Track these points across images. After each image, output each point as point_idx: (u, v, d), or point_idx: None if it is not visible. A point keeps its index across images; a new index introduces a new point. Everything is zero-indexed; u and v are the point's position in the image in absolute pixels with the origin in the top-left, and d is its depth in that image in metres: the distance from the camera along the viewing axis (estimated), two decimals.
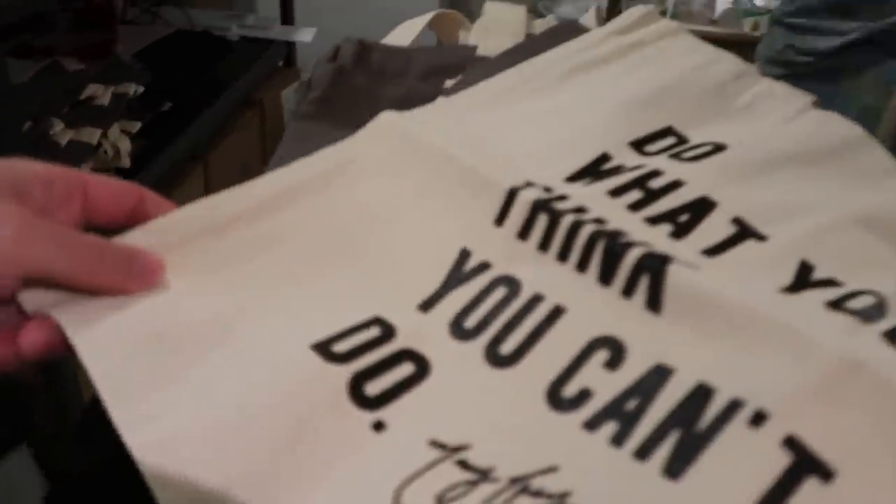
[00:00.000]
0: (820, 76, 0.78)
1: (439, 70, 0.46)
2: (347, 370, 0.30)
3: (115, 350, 0.28)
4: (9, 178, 0.30)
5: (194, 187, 1.57)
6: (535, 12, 2.70)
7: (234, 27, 1.84)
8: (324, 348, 0.30)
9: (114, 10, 1.63)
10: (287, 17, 1.99)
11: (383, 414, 0.29)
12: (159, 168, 1.40)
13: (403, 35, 0.52)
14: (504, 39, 0.47)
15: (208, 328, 0.30)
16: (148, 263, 0.31)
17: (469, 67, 0.45)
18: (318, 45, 1.93)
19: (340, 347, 0.30)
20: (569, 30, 0.47)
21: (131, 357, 0.28)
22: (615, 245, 0.32)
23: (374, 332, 0.31)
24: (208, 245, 0.33)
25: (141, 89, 1.35)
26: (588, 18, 0.50)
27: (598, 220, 0.34)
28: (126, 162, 1.30)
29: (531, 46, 0.45)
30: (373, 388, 0.30)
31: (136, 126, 1.33)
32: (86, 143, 1.22)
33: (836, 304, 0.31)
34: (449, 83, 0.44)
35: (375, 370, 0.30)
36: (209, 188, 1.61)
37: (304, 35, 1.87)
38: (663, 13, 1.76)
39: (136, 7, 1.83)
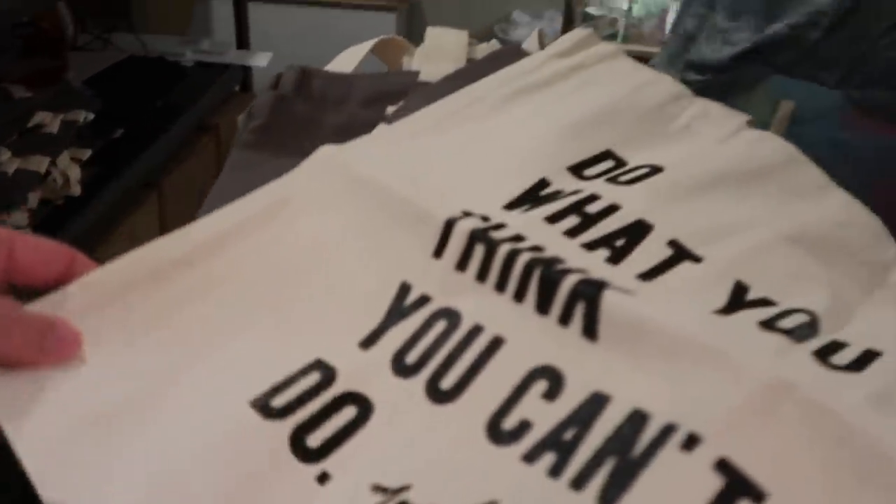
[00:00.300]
0: (713, 92, 0.79)
1: (381, 96, 0.46)
2: (288, 425, 0.29)
3: (47, 437, 0.27)
4: None
5: (148, 215, 1.55)
6: (492, 36, 2.73)
7: (188, 53, 1.83)
8: (262, 404, 0.30)
9: (64, 36, 1.61)
10: (242, 42, 1.99)
11: (327, 464, 0.29)
12: (111, 196, 1.38)
13: (346, 61, 0.52)
14: (445, 65, 0.47)
15: (142, 400, 0.29)
16: (63, 336, 0.29)
17: (410, 93, 0.45)
18: (274, 69, 1.92)
19: (279, 401, 0.30)
20: (510, 54, 0.47)
21: (65, 443, 0.27)
22: (551, 273, 0.32)
23: (314, 378, 0.31)
24: (143, 298, 0.32)
25: (91, 116, 1.33)
26: (530, 42, 0.50)
27: (535, 248, 0.34)
28: (76, 190, 1.27)
29: (472, 71, 0.45)
30: (315, 439, 0.29)
31: (87, 153, 1.31)
32: (34, 172, 1.19)
33: (769, 324, 0.31)
34: (390, 109, 0.44)
35: (317, 420, 0.30)
36: (164, 215, 1.59)
37: (259, 59, 1.87)
38: (614, 36, 1.79)
39: (87, 33, 1.81)
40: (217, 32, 2.45)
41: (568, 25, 2.23)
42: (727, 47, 0.77)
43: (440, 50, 0.48)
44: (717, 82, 0.78)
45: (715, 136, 0.42)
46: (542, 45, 0.51)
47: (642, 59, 0.88)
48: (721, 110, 0.43)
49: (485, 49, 0.49)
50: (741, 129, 0.42)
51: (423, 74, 0.47)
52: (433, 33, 0.50)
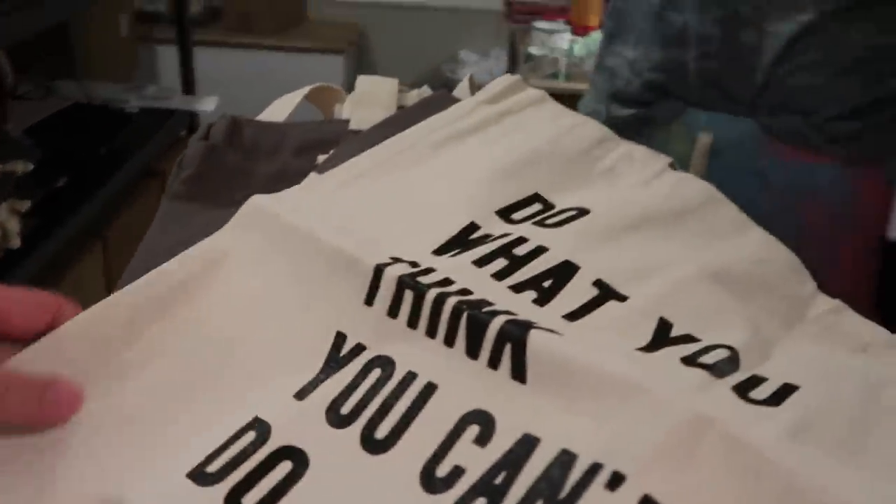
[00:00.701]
0: (637, 126, 0.80)
1: (312, 145, 0.46)
2: (223, 488, 0.29)
3: None
4: None
5: (93, 264, 1.52)
6: (440, 75, 2.77)
7: (133, 99, 1.81)
8: (197, 473, 0.29)
9: (4, 84, 1.59)
10: (189, 87, 1.98)
11: None
12: (54, 246, 1.35)
13: (280, 110, 0.52)
14: (376, 112, 0.47)
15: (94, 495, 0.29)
16: (62, 396, 0.29)
17: (341, 142, 0.46)
18: (221, 114, 1.92)
19: (214, 466, 0.30)
20: (440, 100, 0.48)
21: None
22: (479, 316, 0.32)
23: (249, 437, 0.31)
24: (85, 373, 0.31)
25: (31, 166, 1.31)
26: (461, 89, 0.51)
27: (463, 292, 0.34)
28: (16, 242, 1.25)
29: (402, 118, 0.46)
30: (250, 499, 0.29)
31: (26, 205, 1.29)
32: None
33: (692, 360, 0.32)
34: (321, 158, 0.44)
35: (252, 479, 0.29)
36: (109, 265, 1.56)
37: (206, 104, 1.86)
38: (556, 74, 1.83)
39: (28, 81, 1.78)
40: (163, 78, 2.44)
41: (513, 65, 2.28)
42: (636, 77, 0.80)
43: (370, 98, 0.49)
44: (639, 117, 0.81)
45: (638, 179, 0.43)
46: (473, 91, 0.52)
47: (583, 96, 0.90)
48: (644, 153, 0.44)
49: (415, 96, 0.50)
50: (664, 171, 0.43)
51: (353, 122, 0.48)
52: (363, 81, 0.50)
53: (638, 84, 0.79)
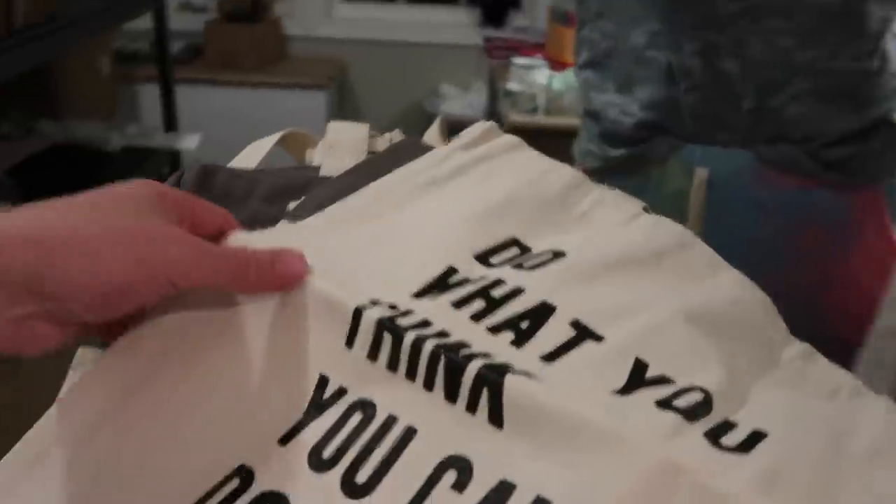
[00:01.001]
0: (630, 169, 0.81)
1: (283, 192, 0.46)
2: None
3: None
4: (150, 197, 0.34)
5: None
6: (421, 108, 2.79)
7: (114, 138, 1.82)
8: None
9: None
10: (171, 125, 1.98)
11: None
12: None
13: (251, 156, 0.52)
14: (346, 158, 0.47)
15: None
16: (288, 267, 0.35)
17: (311, 188, 0.46)
18: (205, 151, 1.93)
19: None
20: (409, 146, 0.48)
21: None
22: (456, 359, 0.32)
23: (233, 484, 0.31)
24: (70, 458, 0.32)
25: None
26: (431, 132, 0.51)
27: (441, 334, 0.34)
28: None
29: (372, 164, 0.46)
30: None
31: None
32: None
33: (666, 403, 0.32)
34: (292, 205, 0.44)
35: None
36: None
37: (188, 141, 1.87)
38: (536, 109, 1.85)
39: (9, 121, 1.78)
40: (145, 116, 2.45)
41: (493, 100, 2.30)
42: (627, 117, 0.81)
43: (341, 144, 0.49)
44: (635, 155, 0.81)
45: (613, 222, 0.44)
46: (443, 135, 0.52)
47: (565, 130, 0.91)
48: (617, 197, 0.45)
49: (386, 140, 0.50)
50: (638, 215, 0.44)
51: (324, 169, 0.48)
52: (334, 127, 0.50)
53: (630, 124, 0.80)
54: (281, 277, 0.35)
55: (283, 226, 0.42)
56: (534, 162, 0.47)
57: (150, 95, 2.32)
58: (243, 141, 0.55)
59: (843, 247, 0.62)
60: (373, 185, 0.43)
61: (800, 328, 0.40)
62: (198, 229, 0.35)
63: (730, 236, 0.77)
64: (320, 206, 0.42)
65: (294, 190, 0.46)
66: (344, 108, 2.93)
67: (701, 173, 0.78)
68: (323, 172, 0.47)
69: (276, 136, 0.53)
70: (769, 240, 0.78)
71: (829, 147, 0.74)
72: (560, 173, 0.46)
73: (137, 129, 1.87)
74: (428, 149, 0.48)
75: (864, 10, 0.70)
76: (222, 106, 2.54)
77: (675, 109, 0.77)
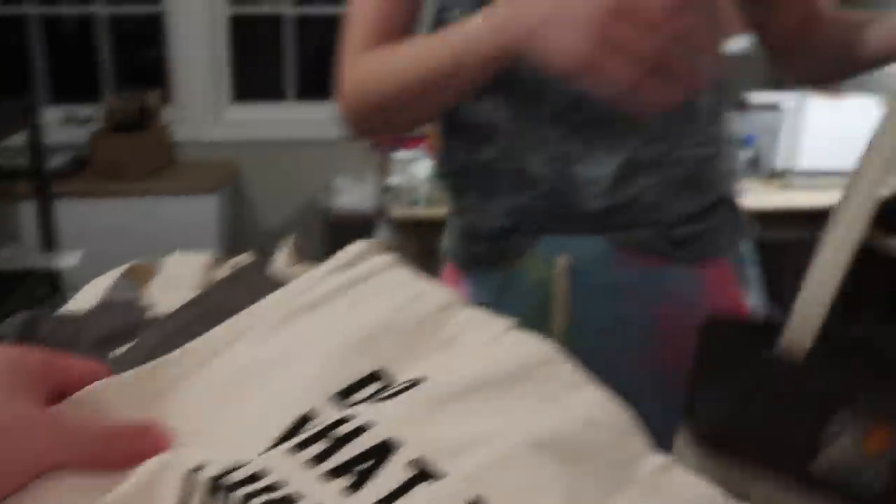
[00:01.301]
0: (491, 262, 0.85)
1: (111, 337, 0.43)
2: None
3: None
4: (2, 372, 0.32)
5: None
6: (315, 205, 2.77)
7: None
8: None
9: None
10: (49, 243, 1.90)
11: None
12: None
13: (90, 294, 0.48)
14: (183, 292, 0.45)
15: None
16: (154, 439, 0.34)
17: (143, 330, 0.43)
18: (88, 267, 1.84)
19: None
20: (251, 272, 0.46)
21: None
22: None
23: None
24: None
25: None
26: (280, 257, 0.49)
27: (269, 489, 0.32)
28: None
29: (209, 296, 0.43)
30: None
31: None
32: None
33: None
34: (119, 352, 0.41)
35: None
36: None
37: (68, 259, 1.78)
38: (416, 202, 1.87)
39: None
40: (25, 236, 2.34)
41: (381, 193, 2.31)
42: (486, 222, 0.84)
43: (175, 280, 0.46)
44: (496, 250, 0.84)
45: (478, 342, 0.43)
46: (294, 255, 0.50)
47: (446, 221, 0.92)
48: (485, 316, 0.44)
49: (229, 268, 0.48)
50: (504, 332, 0.43)
51: (161, 305, 0.45)
52: (170, 262, 0.48)
53: (490, 226, 0.84)
54: (143, 456, 0.33)
55: (146, 371, 0.39)
56: (405, 285, 0.46)
57: (29, 213, 2.23)
58: (130, 254, 0.54)
59: (699, 319, 0.64)
60: (237, 316, 0.41)
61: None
62: (66, 388, 0.34)
63: (598, 318, 0.81)
64: (151, 354, 0.39)
65: (121, 335, 0.42)
66: (237, 212, 2.89)
67: (561, 261, 0.81)
68: (159, 310, 0.44)
69: (117, 272, 0.49)
70: (634, 318, 0.82)
71: (677, 227, 0.80)
72: (431, 296, 0.45)
73: (11, 251, 1.78)
74: (271, 275, 0.46)
75: (697, 105, 0.78)
76: (108, 219, 2.45)
77: (531, 213, 0.81)
